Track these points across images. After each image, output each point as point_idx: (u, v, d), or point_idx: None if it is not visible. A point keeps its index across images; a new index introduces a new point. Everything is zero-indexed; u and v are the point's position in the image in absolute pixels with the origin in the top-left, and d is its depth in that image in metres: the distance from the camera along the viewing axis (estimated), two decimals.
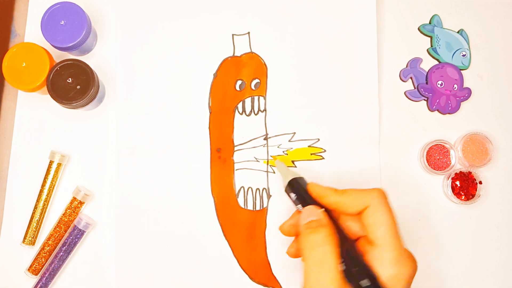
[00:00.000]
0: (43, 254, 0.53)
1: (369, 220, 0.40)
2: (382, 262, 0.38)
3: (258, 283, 0.54)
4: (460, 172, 0.56)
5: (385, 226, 0.39)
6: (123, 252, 0.54)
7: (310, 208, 0.43)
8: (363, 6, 0.57)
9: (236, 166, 0.55)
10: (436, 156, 0.56)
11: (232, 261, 0.54)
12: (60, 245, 0.53)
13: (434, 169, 0.56)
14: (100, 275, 0.54)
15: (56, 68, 0.52)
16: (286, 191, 0.46)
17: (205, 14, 0.57)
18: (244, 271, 0.54)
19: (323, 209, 0.43)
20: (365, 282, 0.38)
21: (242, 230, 0.54)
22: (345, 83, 0.56)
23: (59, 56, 0.55)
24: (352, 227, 0.43)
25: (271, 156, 0.55)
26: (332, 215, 0.43)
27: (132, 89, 0.56)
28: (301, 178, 0.46)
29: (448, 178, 0.56)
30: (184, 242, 0.54)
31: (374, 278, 0.38)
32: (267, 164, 0.55)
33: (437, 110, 0.57)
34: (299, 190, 0.45)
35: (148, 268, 0.54)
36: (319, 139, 0.55)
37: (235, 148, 0.55)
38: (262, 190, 0.55)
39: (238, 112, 0.56)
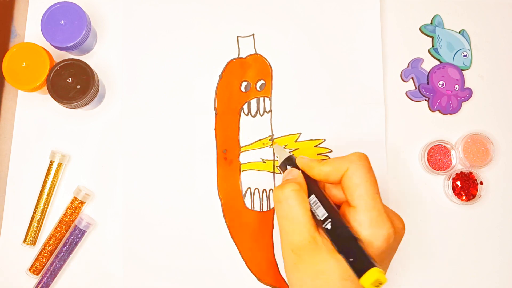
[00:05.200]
0: (44, 254, 0.53)
1: (347, 182, 0.41)
2: (359, 223, 0.39)
3: (266, 284, 0.54)
4: (461, 172, 0.56)
5: (362, 188, 0.40)
6: (129, 254, 0.54)
7: (289, 169, 0.45)
8: (367, 7, 0.56)
9: (242, 167, 0.55)
10: (437, 156, 0.56)
11: (240, 262, 0.54)
12: (61, 245, 0.53)
13: (435, 169, 0.56)
14: (101, 275, 0.54)
15: (56, 68, 0.52)
16: (279, 168, 0.49)
17: (210, 16, 0.57)
18: (251, 272, 0.54)
19: (300, 171, 0.44)
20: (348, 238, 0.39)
21: (249, 231, 0.54)
22: (351, 83, 0.56)
23: (59, 56, 0.55)
24: (337, 195, 0.44)
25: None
26: (319, 185, 0.44)
27: (138, 91, 0.56)
28: (292, 156, 0.48)
29: (449, 179, 0.56)
30: (190, 244, 0.54)
31: (356, 239, 0.39)
32: (273, 164, 0.55)
33: (438, 110, 0.57)
34: (290, 166, 0.47)
35: (155, 269, 0.54)
36: (325, 139, 0.55)
37: (241, 149, 0.55)
38: (269, 191, 0.55)
39: (244, 113, 0.55)
